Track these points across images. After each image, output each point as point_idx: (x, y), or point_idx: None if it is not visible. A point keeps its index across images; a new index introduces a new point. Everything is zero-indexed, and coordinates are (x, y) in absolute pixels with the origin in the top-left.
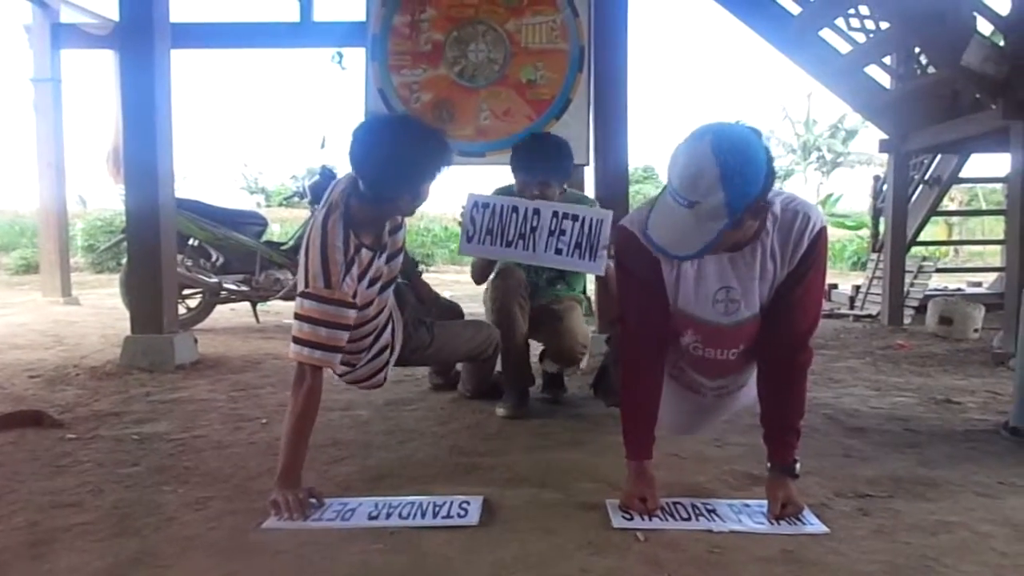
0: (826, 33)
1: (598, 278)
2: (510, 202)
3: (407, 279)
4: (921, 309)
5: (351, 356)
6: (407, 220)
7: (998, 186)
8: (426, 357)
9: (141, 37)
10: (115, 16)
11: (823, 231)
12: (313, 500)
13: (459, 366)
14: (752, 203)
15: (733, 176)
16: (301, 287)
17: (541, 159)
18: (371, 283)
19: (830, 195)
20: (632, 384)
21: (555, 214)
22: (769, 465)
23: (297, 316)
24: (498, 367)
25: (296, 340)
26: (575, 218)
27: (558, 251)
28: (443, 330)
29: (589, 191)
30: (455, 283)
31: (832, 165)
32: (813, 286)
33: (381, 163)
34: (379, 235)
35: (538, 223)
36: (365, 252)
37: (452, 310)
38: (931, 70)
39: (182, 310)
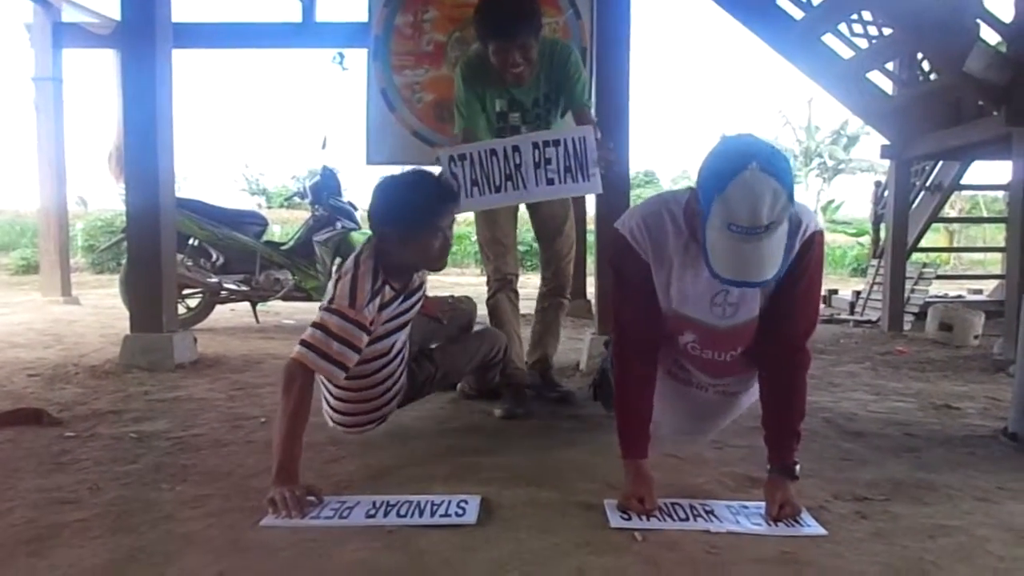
0: (829, 38)
1: (597, 284)
2: (486, 146)
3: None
4: (921, 315)
5: (369, 402)
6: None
7: (999, 195)
8: (435, 385)
9: (143, 36)
10: (117, 15)
11: (817, 235)
12: (311, 498)
13: None
14: (793, 197)
15: (790, 180)
16: (325, 304)
17: (513, 16)
18: (390, 320)
19: (831, 202)
20: (625, 383)
21: (535, 145)
22: (769, 466)
23: (315, 324)
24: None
25: (305, 343)
26: (556, 143)
27: (550, 181)
28: (445, 355)
29: (590, 195)
30: (455, 285)
31: (833, 172)
32: (810, 289)
33: (382, 200)
34: (407, 283)
35: (521, 159)
36: (389, 290)
37: (464, 316)
38: (933, 76)
39: (182, 310)
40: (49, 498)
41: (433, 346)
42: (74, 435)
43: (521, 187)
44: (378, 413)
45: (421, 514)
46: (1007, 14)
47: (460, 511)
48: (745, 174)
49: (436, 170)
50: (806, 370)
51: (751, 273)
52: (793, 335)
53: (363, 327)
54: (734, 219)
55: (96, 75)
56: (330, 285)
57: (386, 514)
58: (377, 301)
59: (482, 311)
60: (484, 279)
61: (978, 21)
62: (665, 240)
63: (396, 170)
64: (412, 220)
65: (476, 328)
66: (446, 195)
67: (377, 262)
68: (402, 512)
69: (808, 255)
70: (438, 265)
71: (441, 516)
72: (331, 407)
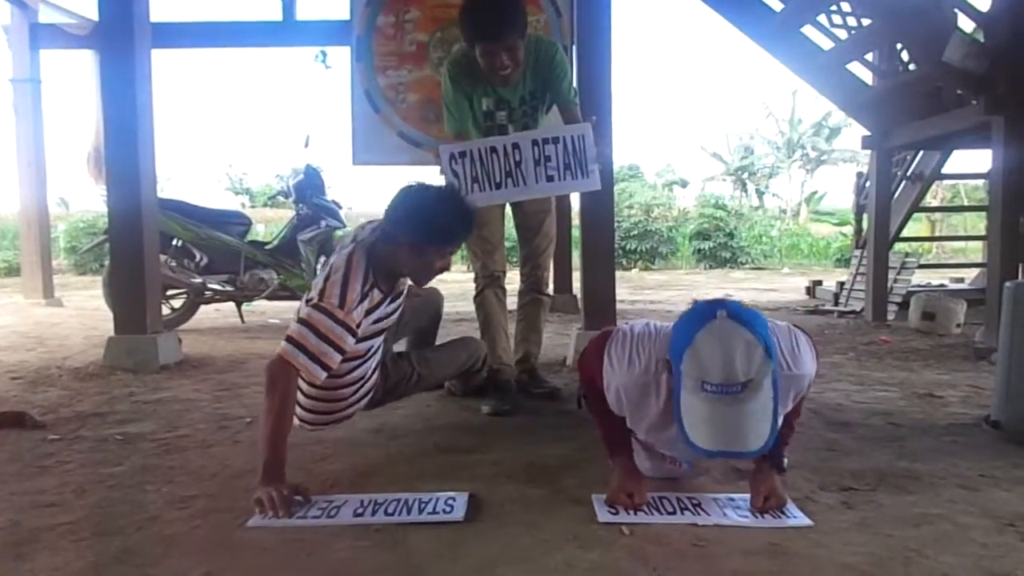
0: (808, 30)
1: (583, 279)
2: (486, 143)
3: None
4: (904, 305)
5: (338, 401)
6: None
7: (980, 183)
8: (409, 388)
9: (121, 37)
10: (95, 16)
11: (807, 386)
12: (298, 497)
13: None
14: (775, 367)
15: (764, 332)
16: (314, 300)
17: (499, 19)
18: (375, 321)
19: (814, 193)
20: (600, 415)
21: (535, 143)
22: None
23: (301, 321)
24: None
25: (290, 339)
26: (556, 140)
27: (549, 178)
28: (423, 361)
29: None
30: (440, 281)
31: (816, 163)
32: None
33: (408, 205)
34: (393, 287)
35: (520, 156)
36: (377, 292)
37: (432, 305)
38: (913, 67)
39: (166, 311)
40: (34, 501)
41: (404, 349)
42: (58, 438)
43: (521, 183)
44: (344, 413)
45: (409, 512)
46: (984, 2)
47: (448, 508)
48: (714, 323)
49: (436, 170)
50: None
51: (733, 441)
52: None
53: (351, 330)
54: (706, 375)
55: (75, 76)
56: (319, 279)
57: (374, 512)
58: (366, 304)
59: (470, 308)
60: (470, 275)
61: (955, 10)
62: (645, 411)
63: (387, 172)
64: (428, 234)
65: (455, 337)
66: (468, 224)
67: (369, 263)
68: (390, 510)
69: (801, 399)
70: (425, 282)
71: (429, 513)
72: (299, 404)
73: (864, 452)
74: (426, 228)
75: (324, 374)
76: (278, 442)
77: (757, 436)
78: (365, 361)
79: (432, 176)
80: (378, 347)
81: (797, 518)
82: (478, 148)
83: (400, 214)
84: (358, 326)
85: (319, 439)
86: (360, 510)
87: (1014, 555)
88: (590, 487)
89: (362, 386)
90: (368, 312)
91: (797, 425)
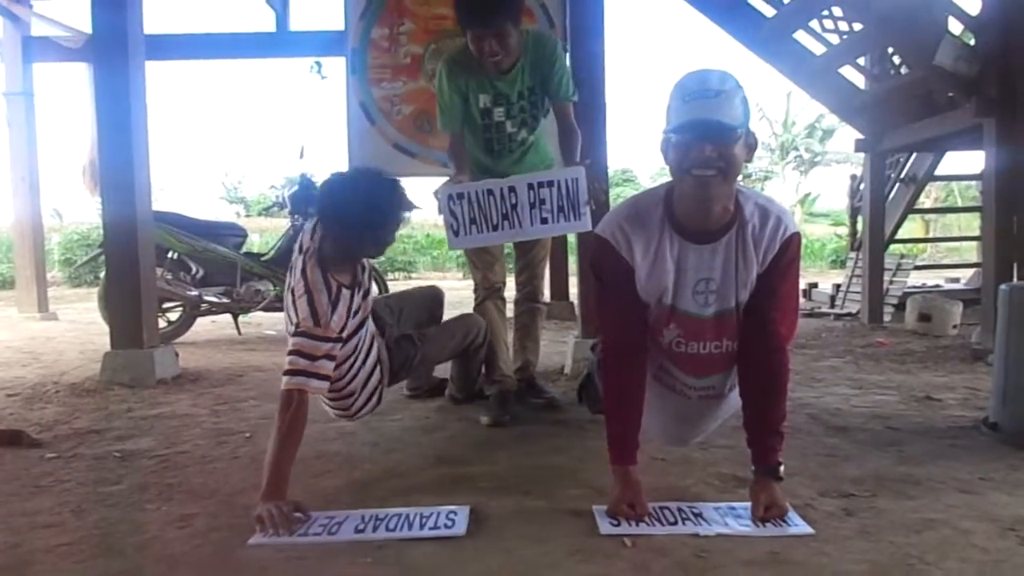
0: (800, 35)
1: (580, 286)
2: (483, 186)
3: None
4: (900, 307)
5: (346, 396)
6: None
7: (973, 183)
8: (415, 367)
9: (115, 49)
10: (88, 29)
11: (795, 237)
12: (299, 514)
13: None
14: (748, 123)
15: (743, 90)
16: (291, 328)
17: (490, 4)
18: (353, 315)
19: (808, 194)
20: (614, 390)
21: (530, 186)
22: (753, 468)
23: (290, 352)
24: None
25: (289, 372)
26: (550, 184)
27: (543, 220)
28: (427, 339)
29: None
30: None
31: (810, 164)
32: (790, 293)
33: (342, 216)
34: (354, 274)
35: (516, 199)
36: (345, 291)
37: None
38: (905, 70)
39: (162, 324)
40: (31, 522)
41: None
42: (56, 456)
43: (517, 226)
44: (369, 406)
45: (410, 527)
46: (974, 6)
47: (449, 522)
48: (702, 70)
49: (427, 182)
50: (787, 372)
51: (704, 113)
52: (775, 335)
53: (332, 339)
54: (686, 92)
55: (68, 88)
56: (288, 306)
57: (375, 528)
58: (341, 308)
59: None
60: (465, 283)
61: (946, 14)
62: (644, 235)
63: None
64: (379, 221)
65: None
66: (397, 204)
67: (323, 271)
68: (391, 526)
69: (786, 255)
70: (381, 255)
71: (431, 528)
72: (328, 407)
73: (864, 457)
74: (370, 226)
75: (327, 384)
76: (282, 463)
77: (725, 117)
78: (356, 359)
79: (424, 188)
80: (364, 340)
81: (798, 526)
82: (475, 190)
83: (341, 212)
84: (342, 330)
85: (319, 454)
86: (361, 526)
87: (1015, 560)
88: (590, 498)
89: (368, 379)
90: (347, 312)
91: (788, 428)
